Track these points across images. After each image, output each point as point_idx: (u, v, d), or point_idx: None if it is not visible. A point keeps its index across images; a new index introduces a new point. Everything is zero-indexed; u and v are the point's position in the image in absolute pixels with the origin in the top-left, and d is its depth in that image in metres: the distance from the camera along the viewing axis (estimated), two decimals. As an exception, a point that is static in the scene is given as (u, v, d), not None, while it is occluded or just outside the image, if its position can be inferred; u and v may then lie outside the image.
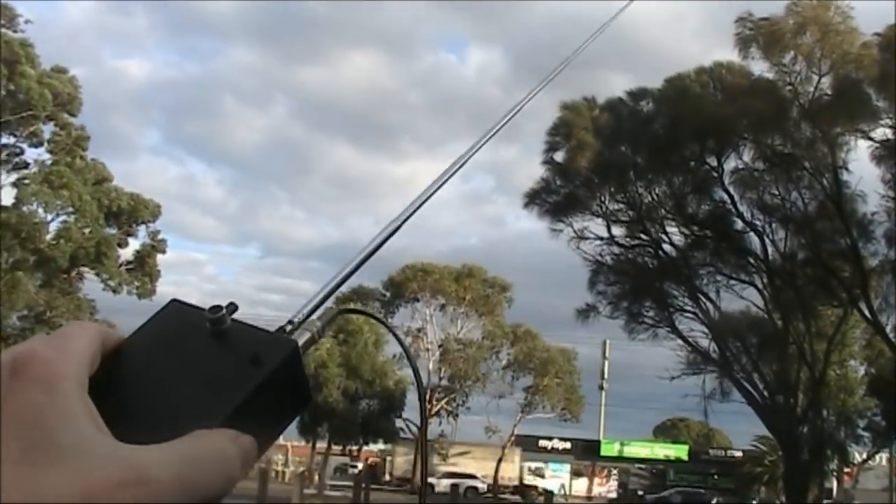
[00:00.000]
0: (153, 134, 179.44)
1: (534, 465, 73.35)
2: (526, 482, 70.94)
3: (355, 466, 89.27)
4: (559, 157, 42.64)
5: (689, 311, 42.05)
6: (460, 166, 1.25)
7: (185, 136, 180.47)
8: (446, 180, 1.24)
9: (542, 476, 72.69)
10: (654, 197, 41.59)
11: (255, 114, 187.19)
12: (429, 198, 1.19)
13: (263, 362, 0.77)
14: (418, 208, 1.17)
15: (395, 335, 1.10)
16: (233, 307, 0.82)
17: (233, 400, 0.74)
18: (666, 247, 42.20)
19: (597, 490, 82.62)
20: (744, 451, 79.31)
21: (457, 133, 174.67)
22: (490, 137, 1.35)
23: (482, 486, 70.52)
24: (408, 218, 1.15)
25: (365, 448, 76.49)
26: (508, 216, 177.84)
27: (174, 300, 0.85)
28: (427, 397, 68.83)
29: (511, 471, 71.27)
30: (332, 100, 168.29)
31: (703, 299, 41.46)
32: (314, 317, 0.92)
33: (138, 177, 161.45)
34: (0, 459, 0.61)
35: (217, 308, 0.80)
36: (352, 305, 53.09)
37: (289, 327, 0.89)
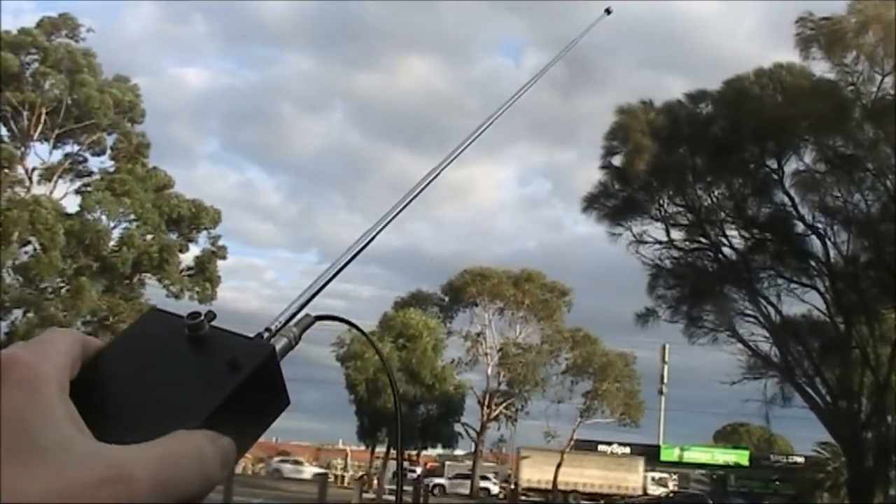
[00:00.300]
0: (212, 141, 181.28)
1: (657, 475, 71.95)
2: (649, 491, 69.74)
3: (414, 471, 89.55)
4: (617, 160, 42.47)
5: (749, 315, 41.64)
6: (430, 181, 1.27)
7: (244, 143, 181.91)
8: (417, 195, 1.25)
9: (666, 486, 71.19)
10: (714, 200, 41.28)
11: (312, 120, 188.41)
12: (406, 205, 1.21)
13: (241, 366, 0.79)
14: (392, 219, 1.18)
15: (373, 344, 1.13)
16: (211, 315, 0.83)
17: (211, 402, 0.75)
18: (726, 250, 41.86)
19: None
20: (806, 456, 78.17)
21: (514, 138, 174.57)
22: (461, 152, 1.37)
23: (494, 489, 70.25)
24: (381, 230, 1.17)
25: (423, 453, 76.46)
26: (566, 220, 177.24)
27: (155, 308, 0.87)
28: (486, 402, 68.85)
29: (634, 480, 70.19)
30: (389, 105, 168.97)
31: (764, 303, 41.05)
32: (291, 324, 0.94)
33: (198, 184, 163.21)
34: None
35: (196, 315, 0.82)
36: (409, 311, 53.29)
37: (266, 334, 0.90)
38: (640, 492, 70.14)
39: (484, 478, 70.72)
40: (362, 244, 1.12)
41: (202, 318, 0.82)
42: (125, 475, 0.64)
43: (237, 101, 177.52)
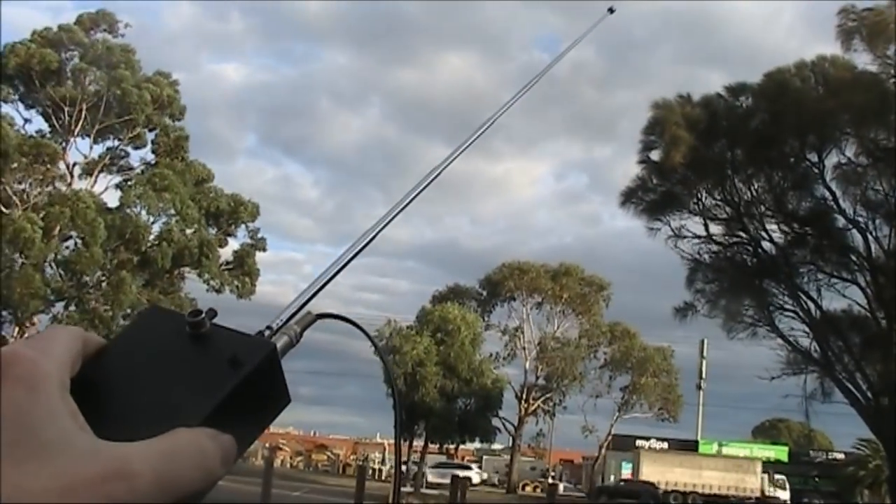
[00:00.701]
0: (251, 136, 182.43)
1: (778, 476, 70.36)
2: (767, 493, 68.06)
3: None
4: (655, 155, 42.28)
5: (789, 310, 41.33)
6: (433, 178, 1.28)
7: (282, 138, 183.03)
8: (420, 192, 1.28)
9: (784, 488, 69.28)
10: (753, 194, 40.98)
11: (350, 115, 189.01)
12: (400, 211, 1.23)
13: (242, 363, 0.79)
14: (393, 218, 1.22)
15: (372, 341, 1.12)
16: (212, 312, 0.84)
17: (212, 399, 0.76)
18: (765, 244, 41.56)
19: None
20: (846, 453, 77.59)
21: (551, 133, 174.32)
22: (464, 150, 1.37)
23: (476, 478, 69.69)
24: (382, 228, 1.19)
25: (462, 447, 76.56)
26: (604, 214, 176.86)
27: (154, 306, 0.87)
28: (523, 396, 68.85)
29: (752, 482, 68.78)
30: (426, 101, 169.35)
31: (804, 298, 40.72)
32: (293, 322, 0.94)
33: (237, 179, 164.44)
34: None
35: (197, 312, 0.82)
36: (447, 305, 53.33)
37: (267, 332, 0.90)
38: (757, 494, 67.64)
39: (467, 468, 70.02)
40: (362, 244, 1.14)
41: (203, 315, 0.82)
42: (126, 471, 0.64)
43: (275, 96, 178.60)
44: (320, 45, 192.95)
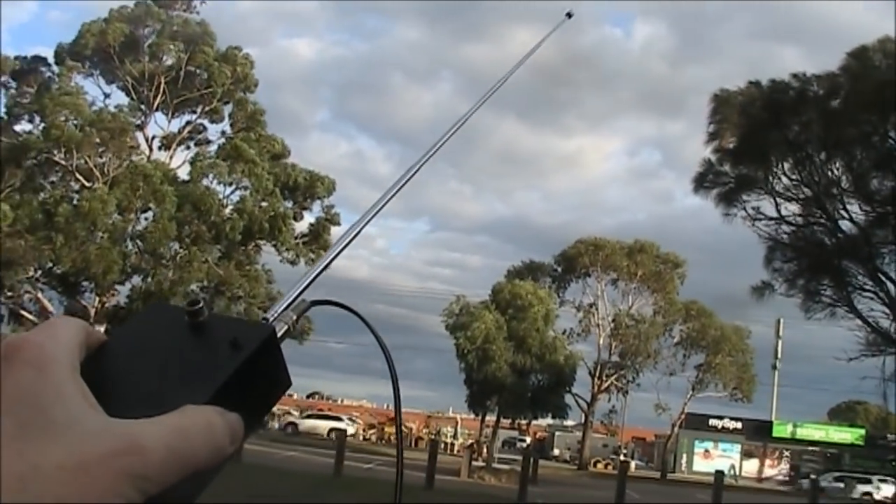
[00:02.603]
0: (323, 111, 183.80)
1: None
2: None
3: (524, 440, 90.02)
4: (730, 135, 41.83)
5: (868, 291, 40.77)
6: (407, 180, 1.35)
7: (354, 113, 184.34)
8: (402, 186, 1.33)
9: None
10: (833, 174, 40.44)
11: (421, 90, 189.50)
12: (392, 196, 1.28)
13: (243, 346, 0.80)
14: (382, 207, 1.26)
15: (369, 326, 1.12)
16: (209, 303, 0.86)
17: (216, 381, 0.77)
18: (844, 224, 40.99)
19: (767, 472, 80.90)
20: (925, 436, 76.57)
21: (623, 109, 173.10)
22: (434, 153, 1.45)
23: (350, 429, 69.37)
24: (368, 221, 1.24)
25: (534, 423, 76.66)
26: (677, 192, 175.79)
27: (157, 302, 0.89)
28: (596, 373, 68.80)
29: None
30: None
31: (884, 278, 40.14)
32: (289, 310, 0.97)
33: (310, 153, 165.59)
34: None
35: (195, 301, 0.84)
36: (520, 281, 53.35)
37: (264, 322, 0.92)
38: None
39: (338, 419, 70.32)
40: (351, 235, 1.19)
41: (201, 304, 0.84)
42: (138, 446, 0.65)
43: (348, 71, 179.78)
44: (392, 20, 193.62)
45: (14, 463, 0.62)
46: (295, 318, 0.95)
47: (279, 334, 0.89)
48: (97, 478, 0.63)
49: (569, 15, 2.02)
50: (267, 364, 0.84)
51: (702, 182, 42.34)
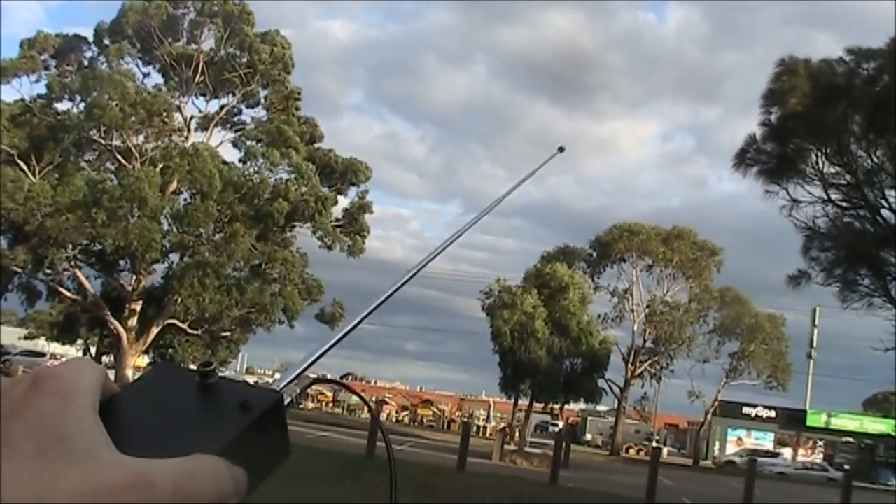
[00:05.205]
0: (357, 93, 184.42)
1: None
2: None
3: (556, 425, 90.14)
4: (773, 117, 41.52)
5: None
6: (446, 246, 1.34)
7: (388, 95, 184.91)
8: (433, 257, 1.36)
9: None
10: (875, 160, 40.07)
11: (455, 73, 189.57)
12: (399, 288, 1.25)
13: (251, 408, 0.83)
14: (402, 286, 1.25)
15: (365, 401, 1.15)
16: (219, 368, 0.86)
17: (223, 438, 0.80)
18: (885, 213, 40.64)
19: (801, 461, 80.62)
20: (962, 429, 75.82)
21: (656, 94, 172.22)
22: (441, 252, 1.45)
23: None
24: (397, 289, 1.23)
25: (566, 407, 76.69)
26: (710, 178, 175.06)
27: (168, 362, 0.96)
28: (630, 359, 68.69)
29: None
30: (531, 59, 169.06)
31: (925, 268, 39.78)
32: (293, 384, 1.00)
33: (344, 134, 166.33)
34: (16, 455, 0.68)
35: (207, 364, 0.86)
36: (556, 265, 53.20)
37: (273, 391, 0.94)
38: None
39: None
40: (354, 323, 1.18)
41: (213, 366, 0.87)
42: (148, 482, 0.69)
43: (382, 53, 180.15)
44: (426, 3, 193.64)
45: (31, 483, 0.66)
46: (298, 392, 0.98)
47: (285, 403, 0.91)
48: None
49: (561, 149, 2.16)
50: (271, 430, 0.86)
51: (743, 158, 42.01)
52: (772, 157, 41.21)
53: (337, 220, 52.35)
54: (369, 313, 1.18)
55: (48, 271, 48.34)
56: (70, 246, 46.47)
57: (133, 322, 49.08)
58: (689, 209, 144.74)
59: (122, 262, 49.27)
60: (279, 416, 0.87)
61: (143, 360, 53.76)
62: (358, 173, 52.60)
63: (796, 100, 39.20)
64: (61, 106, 48.91)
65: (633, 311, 69.37)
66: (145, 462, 0.72)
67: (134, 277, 49.51)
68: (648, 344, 69.32)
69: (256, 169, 48.59)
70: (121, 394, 0.84)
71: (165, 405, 0.84)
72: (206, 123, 52.63)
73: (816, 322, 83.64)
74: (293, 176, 48.91)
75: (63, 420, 0.72)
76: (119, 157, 47.44)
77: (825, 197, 41.13)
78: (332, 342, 1.11)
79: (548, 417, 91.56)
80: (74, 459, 0.69)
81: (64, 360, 0.84)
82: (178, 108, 51.11)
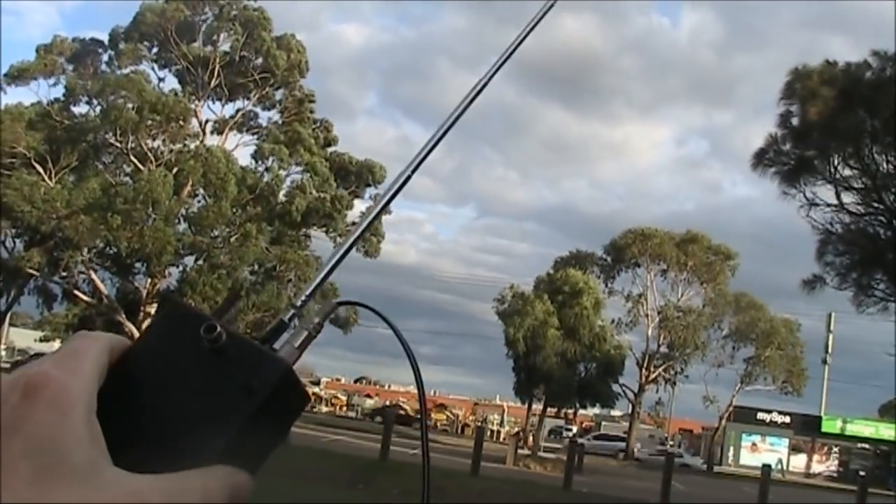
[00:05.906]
0: (371, 96, 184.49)
1: None
2: None
3: (570, 430, 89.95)
4: (792, 119, 41.39)
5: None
6: (398, 190, 1.25)
7: (402, 99, 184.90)
8: (395, 194, 1.25)
9: None
10: (892, 164, 39.92)
11: (468, 76, 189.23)
12: (392, 198, 1.16)
13: (255, 391, 0.79)
14: (383, 209, 1.17)
15: (393, 328, 1.06)
16: (234, 296, 0.83)
17: (227, 432, 0.77)
18: (901, 218, 40.47)
19: (816, 468, 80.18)
20: (978, 436, 75.39)
21: (670, 98, 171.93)
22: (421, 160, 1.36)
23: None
24: (380, 211, 1.18)
25: (580, 412, 76.57)
26: (725, 182, 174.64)
27: (171, 303, 0.86)
28: (644, 364, 68.53)
29: None
30: (544, 63, 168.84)
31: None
32: (314, 311, 0.94)
33: (358, 138, 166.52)
34: (13, 480, 0.67)
35: (212, 328, 0.81)
36: (570, 270, 53.16)
37: (292, 311, 0.91)
38: None
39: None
40: (362, 226, 1.10)
41: (219, 330, 0.81)
42: (143, 502, 0.69)
43: (395, 57, 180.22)
44: (439, 6, 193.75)
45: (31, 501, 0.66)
46: (318, 321, 0.93)
47: (300, 343, 0.89)
48: None
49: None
50: (282, 398, 0.82)
51: (762, 158, 41.87)
52: (790, 159, 41.06)
53: (353, 223, 52.40)
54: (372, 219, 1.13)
55: (64, 274, 48.55)
56: (85, 248, 46.62)
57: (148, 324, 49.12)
58: (703, 213, 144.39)
59: (137, 265, 49.39)
60: (288, 384, 0.82)
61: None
62: (374, 172, 52.61)
63: (815, 105, 39.07)
64: (77, 109, 49.14)
65: (647, 315, 69.24)
66: (140, 481, 0.71)
67: (149, 280, 49.62)
68: (663, 349, 69.17)
69: (269, 167, 48.74)
70: (128, 362, 0.81)
71: (171, 379, 0.81)
72: (221, 127, 52.73)
73: (831, 327, 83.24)
74: (308, 175, 48.98)
75: (62, 436, 0.69)
76: (134, 160, 47.52)
77: (841, 201, 41.01)
78: (336, 257, 1.01)
79: (562, 422, 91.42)
80: (74, 479, 0.68)
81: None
82: (194, 112, 51.20)
